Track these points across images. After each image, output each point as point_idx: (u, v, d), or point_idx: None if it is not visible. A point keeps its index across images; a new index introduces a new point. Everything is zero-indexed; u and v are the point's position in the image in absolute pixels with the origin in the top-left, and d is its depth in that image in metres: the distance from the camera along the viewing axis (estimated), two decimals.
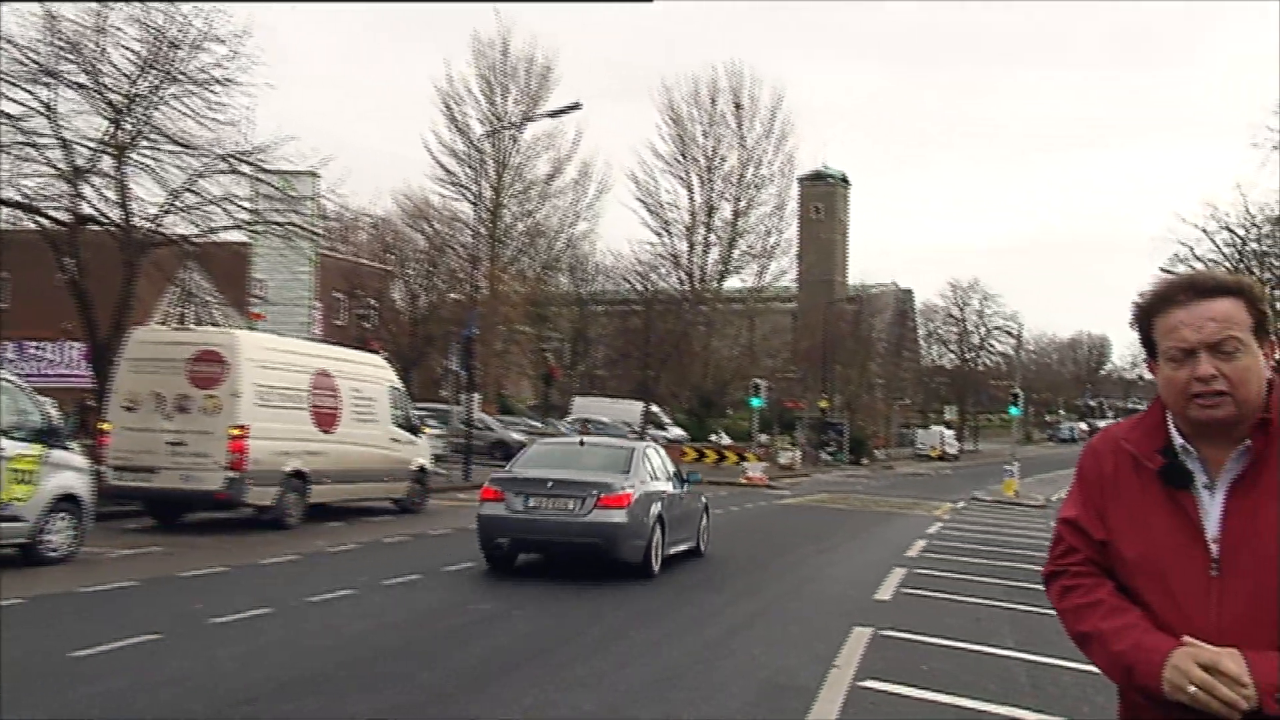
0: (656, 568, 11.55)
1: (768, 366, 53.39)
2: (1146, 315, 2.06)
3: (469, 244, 40.63)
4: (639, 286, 43.58)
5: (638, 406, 41.68)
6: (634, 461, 11.74)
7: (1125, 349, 76.41)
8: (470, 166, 51.16)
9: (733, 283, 57.55)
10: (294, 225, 21.61)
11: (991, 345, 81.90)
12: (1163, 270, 34.13)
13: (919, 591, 11.51)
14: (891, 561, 14.22)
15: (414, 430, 18.75)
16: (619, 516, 10.94)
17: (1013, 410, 38.92)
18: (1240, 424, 1.99)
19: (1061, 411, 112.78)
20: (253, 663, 6.82)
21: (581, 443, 12.97)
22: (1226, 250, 36.46)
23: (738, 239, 55.29)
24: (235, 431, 14.10)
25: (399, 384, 19.03)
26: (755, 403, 39.39)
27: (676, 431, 47.53)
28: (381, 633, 8.03)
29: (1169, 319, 2.01)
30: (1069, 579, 2.16)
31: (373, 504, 17.95)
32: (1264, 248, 36.00)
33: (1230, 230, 36.37)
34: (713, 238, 54.97)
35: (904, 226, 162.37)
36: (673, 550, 12.28)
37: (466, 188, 51.23)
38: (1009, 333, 77.31)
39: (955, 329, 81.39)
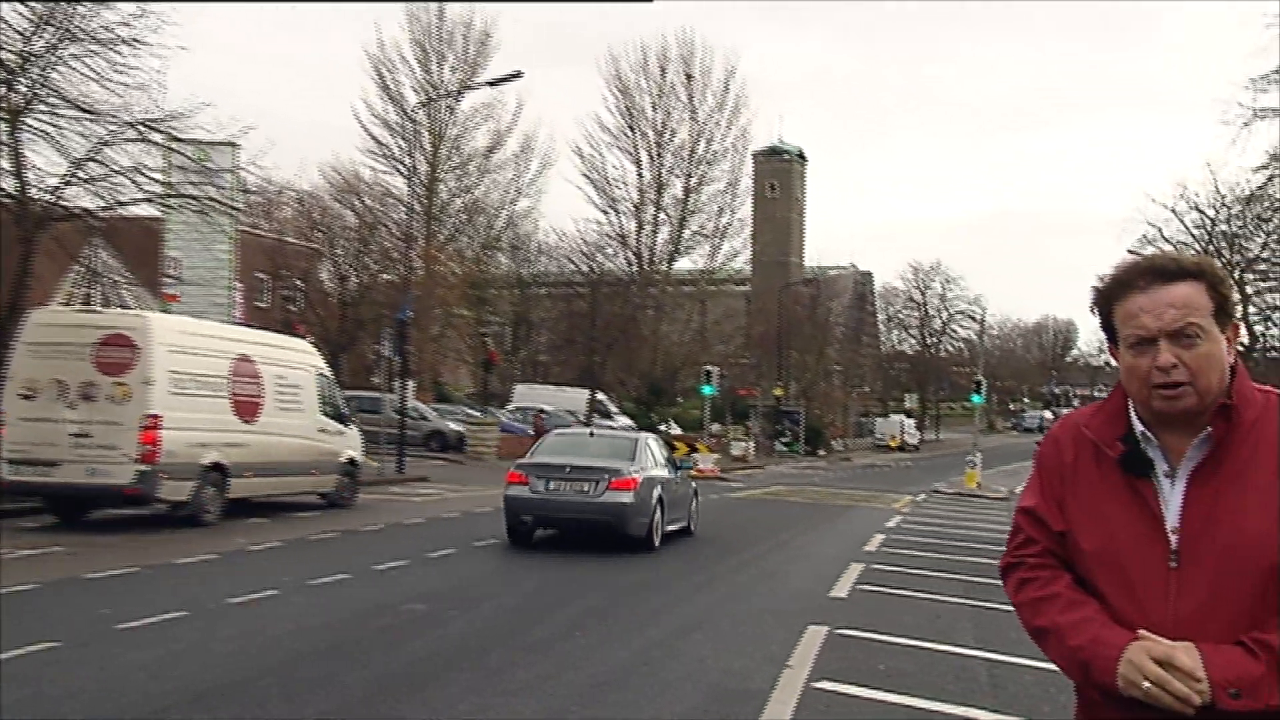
0: (657, 542, 14.02)
1: (720, 352, 53.67)
2: (1106, 300, 2.10)
3: (402, 221, 40.18)
4: (584, 268, 43.51)
5: (583, 394, 41.66)
6: (638, 450, 14.37)
7: (1092, 334, 78.26)
8: (404, 138, 50.62)
9: (683, 264, 57.73)
10: (211, 199, 21.18)
11: (954, 330, 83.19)
12: (1130, 252, 34.86)
13: (877, 588, 11.65)
14: (848, 557, 14.37)
15: (343, 420, 18.56)
16: (627, 497, 13.52)
17: (975, 398, 39.60)
18: (1204, 412, 2.03)
19: (1026, 400, 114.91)
20: (164, 671, 6.70)
21: (591, 434, 15.98)
22: (1196, 231, 37.35)
23: (689, 218, 55.43)
24: (147, 421, 13.82)
25: (327, 370, 18.81)
26: (706, 390, 39.55)
27: (624, 420, 47.57)
28: (306, 635, 7.94)
29: (1129, 305, 2.05)
30: (1026, 571, 2.20)
31: (298, 499, 17.75)
32: (1234, 229, 36.87)
33: (1200, 211, 37.26)
34: (662, 216, 55.04)
35: (863, 206, 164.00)
36: (669, 528, 14.70)
37: (400, 161, 50.70)
38: (972, 317, 78.54)
39: (916, 313, 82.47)
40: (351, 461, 18.57)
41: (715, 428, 47.59)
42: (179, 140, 19.49)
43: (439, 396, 47.63)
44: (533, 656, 7.55)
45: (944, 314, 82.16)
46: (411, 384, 32.80)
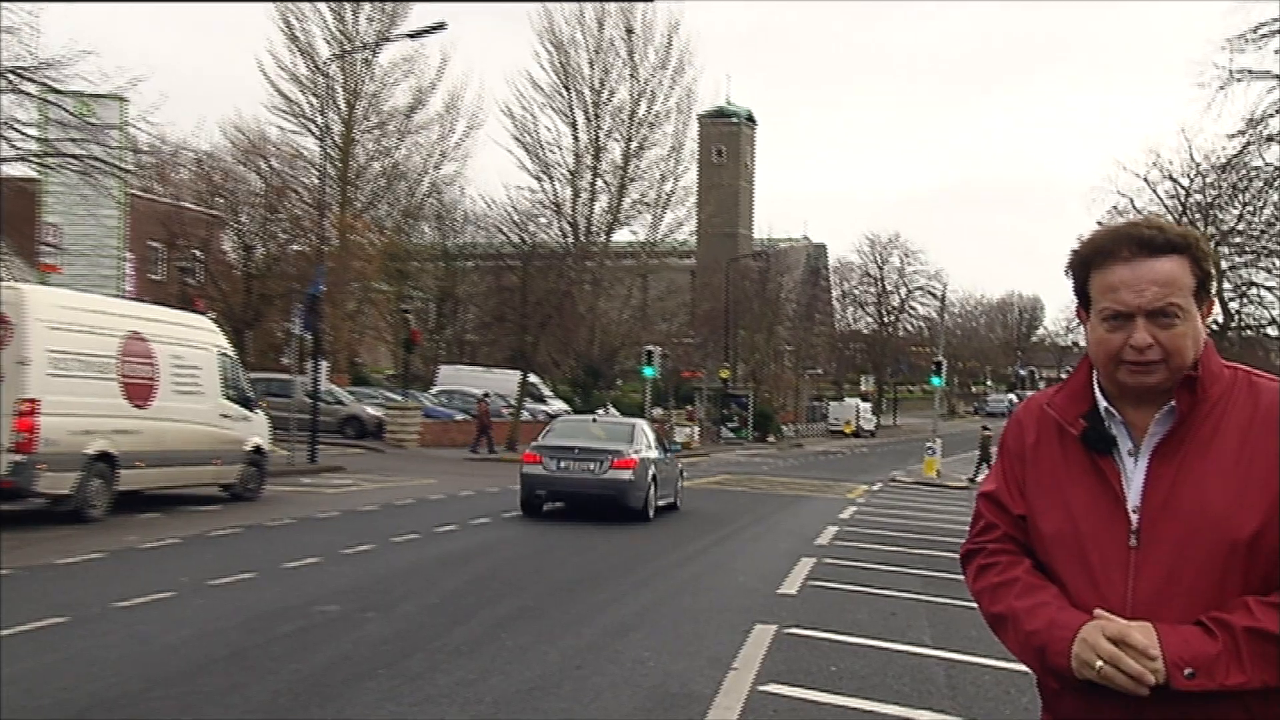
0: (652, 514, 17.55)
1: (662, 331, 53.80)
2: (1084, 266, 2.13)
3: (314, 186, 39.59)
4: (515, 239, 43.25)
5: (514, 377, 41.51)
6: (635, 434, 18.20)
7: (1059, 311, 79.36)
8: (315, 95, 49.79)
9: (623, 235, 57.68)
10: (96, 159, 20.63)
11: (913, 308, 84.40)
12: (1100, 224, 35.55)
13: (829, 584, 11.78)
14: (799, 551, 14.52)
15: (248, 404, 18.32)
16: (628, 475, 17.08)
17: (935, 380, 40.09)
18: (1171, 388, 2.09)
19: (989, 382, 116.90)
20: (41, 684, 6.54)
21: (594, 420, 20.35)
22: (1169, 202, 38.16)
23: (629, 185, 55.32)
24: (22, 406, 13.48)
25: (230, 350, 18.54)
26: (648, 372, 39.64)
27: (558, 405, 47.53)
28: (205, 642, 7.82)
29: (1109, 275, 2.09)
30: (985, 557, 2.27)
31: (198, 491, 17.49)
32: (1209, 199, 37.72)
33: (1174, 180, 38.05)
34: (600, 183, 54.86)
35: (816, 173, 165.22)
36: (660, 503, 18.10)
37: (311, 120, 49.92)
38: (932, 293, 79.57)
39: (873, 289, 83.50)
40: (257, 450, 18.35)
41: (657, 412, 47.62)
42: (56, 92, 18.92)
43: (356, 379, 47.21)
44: (456, 660, 7.52)
45: (902, 290, 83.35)
46: (325, 365, 32.47)
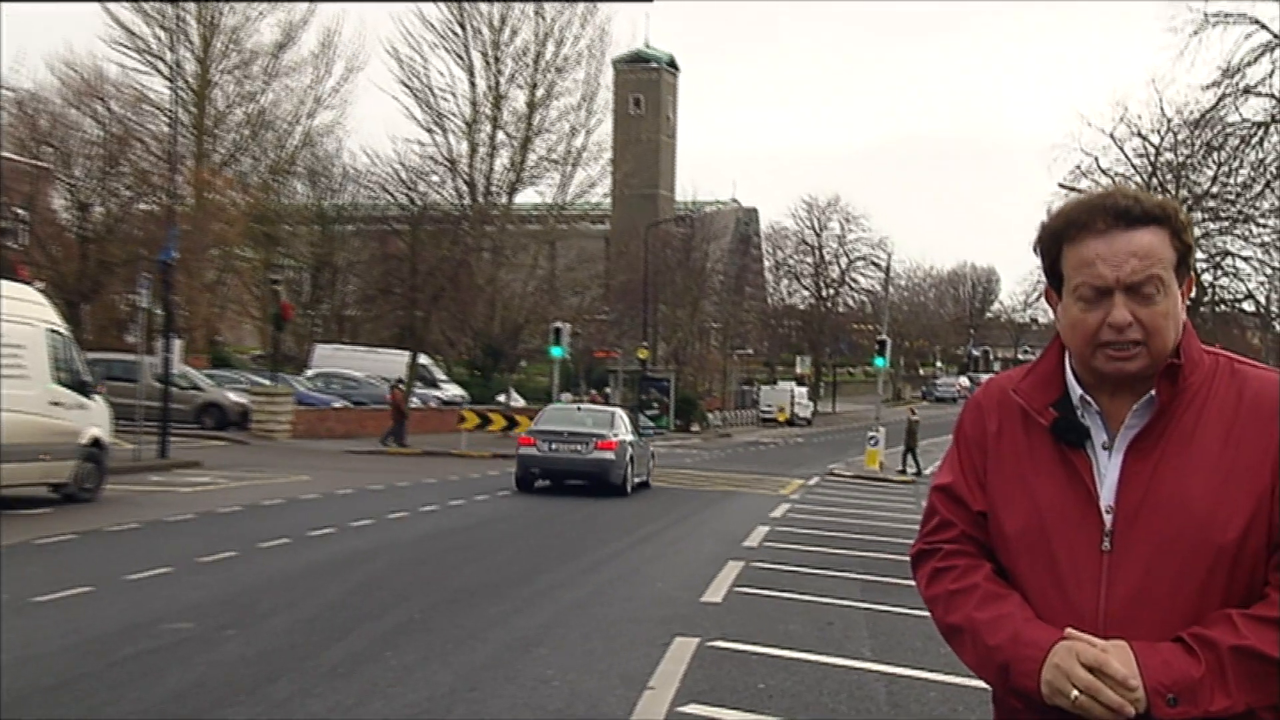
0: (629, 489, 22.84)
1: (573, 306, 53.88)
2: (1056, 240, 2.17)
3: (164, 135, 38.66)
4: (403, 200, 42.82)
5: (402, 358, 41.20)
6: (615, 420, 23.84)
7: (1017, 284, 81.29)
8: (163, 28, 48.67)
9: (528, 196, 57.49)
10: None
11: (854, 280, 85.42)
12: (1062, 187, 36.29)
13: (758, 591, 11.88)
14: (725, 553, 14.64)
15: (85, 390, 17.90)
16: (610, 455, 22.31)
17: (879, 362, 40.67)
18: (1151, 376, 2.13)
19: (939, 364, 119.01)
20: None
21: (579, 408, 26.50)
22: (1137, 161, 39.12)
23: (534, 139, 55.09)
24: None
25: (62, 326, 18.12)
26: (556, 352, 39.58)
27: (453, 390, 47.28)
28: (26, 670, 7.60)
29: (1083, 250, 2.13)
30: (940, 560, 2.29)
31: (22, 491, 17.01)
32: (1180, 158, 38.66)
33: (1142, 137, 38.98)
34: (501, 137, 54.53)
35: (747, 127, 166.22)
36: (635, 480, 23.49)
37: (159, 57, 48.79)
38: (876, 264, 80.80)
39: (810, 259, 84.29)
40: (96, 443, 17.96)
41: (566, 397, 47.58)
42: None
43: (216, 360, 46.37)
44: (331, 683, 7.44)
45: (843, 260, 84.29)
46: (179, 344, 31.90)
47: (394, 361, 43.07)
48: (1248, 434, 2.11)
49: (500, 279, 49.39)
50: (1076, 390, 2.19)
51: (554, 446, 22.52)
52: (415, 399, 39.42)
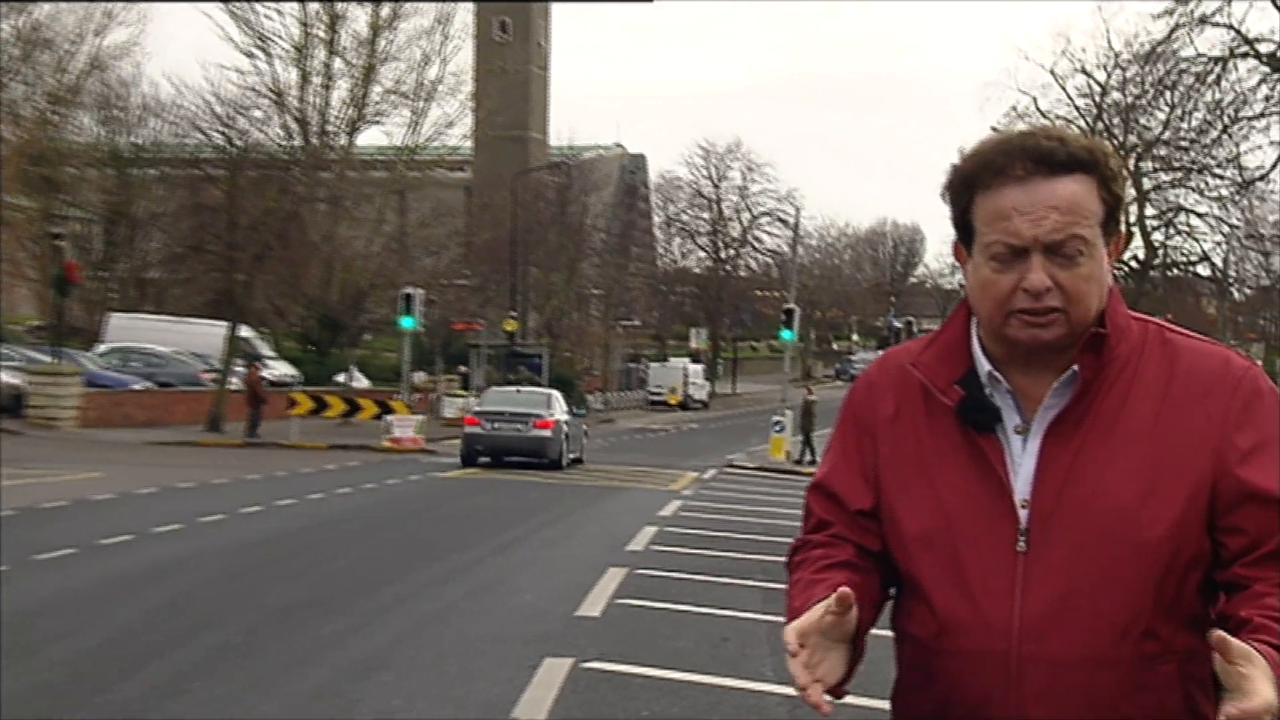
0: (565, 464, 28.92)
1: (427, 269, 53.44)
2: (967, 188, 2.18)
3: None
4: (218, 139, 41.87)
5: (219, 330, 40.42)
6: (552, 401, 30.03)
7: (943, 244, 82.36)
8: None
9: (372, 138, 56.98)
10: None
11: (758, 239, 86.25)
12: (996, 131, 37.00)
13: (644, 602, 11.92)
14: (606, 559, 14.68)
15: None
16: (547, 433, 28.38)
17: (786, 334, 41.02)
18: (1071, 346, 2.15)
19: (855, 336, 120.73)
20: None
21: (519, 390, 33.15)
22: (1081, 102, 40.11)
23: (378, 68, 54.48)
24: None
25: None
26: (407, 323, 39.29)
27: (282, 368, 46.56)
28: None
29: (998, 200, 2.13)
30: (802, 553, 2.32)
31: None
32: (1129, 98, 39.65)
33: (1087, 73, 39.94)
34: (339, 65, 53.85)
35: (634, 59, 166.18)
36: (571, 456, 29.70)
37: None
38: (783, 220, 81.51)
39: (706, 214, 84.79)
40: None
41: (419, 377, 47.19)
42: None
43: None
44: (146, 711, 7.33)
45: (745, 216, 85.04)
46: None
47: (208, 334, 42.33)
48: (1180, 415, 2.13)
49: (339, 236, 48.87)
50: (985, 365, 2.20)
51: (496, 425, 28.94)
52: (235, 380, 38.80)
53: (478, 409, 30.36)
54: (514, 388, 36.11)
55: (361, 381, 46.97)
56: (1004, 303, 2.13)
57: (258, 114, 46.23)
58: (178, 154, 49.05)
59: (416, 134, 56.37)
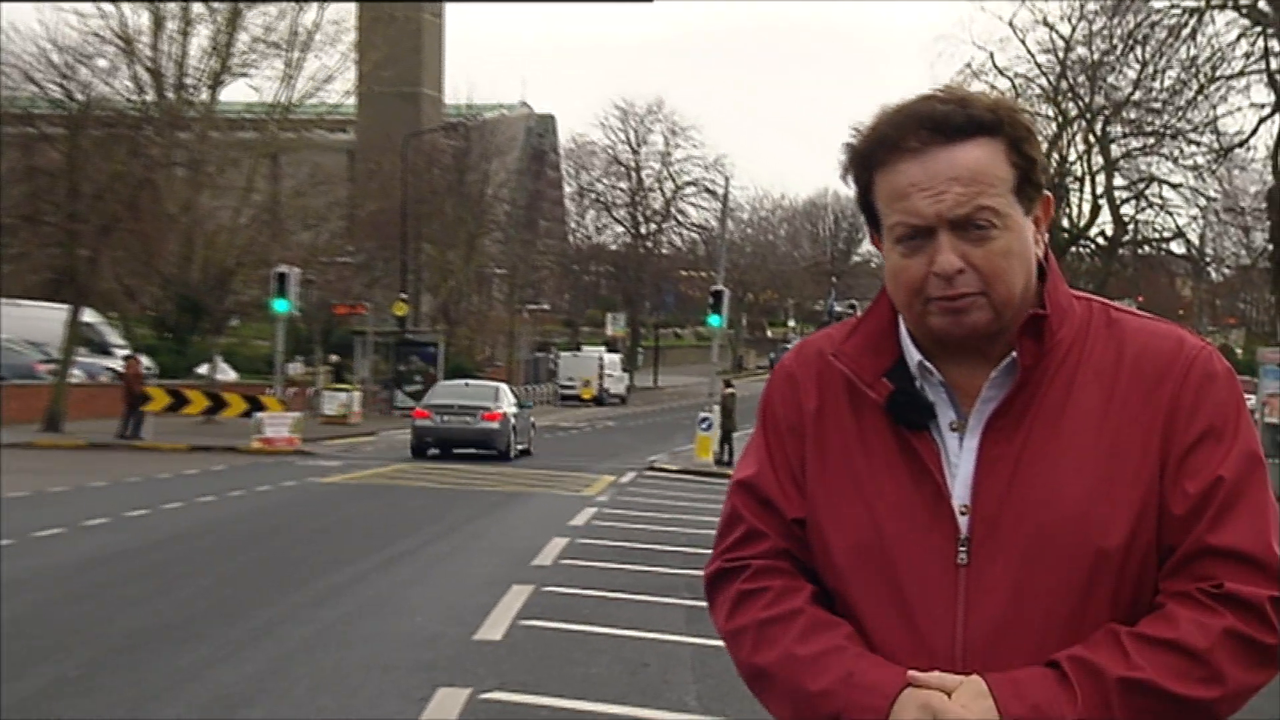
0: (512, 455, 34.28)
1: (305, 244, 53.10)
2: (865, 167, 2.22)
3: None
4: (56, 93, 41.22)
5: (58, 315, 39.85)
6: (500, 394, 36.22)
7: None
8: None
9: (239, 93, 56.29)
10: None
11: (683, 212, 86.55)
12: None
13: (551, 623, 11.94)
14: (509, 575, 14.70)
15: None
16: (495, 425, 34.00)
17: (713, 320, 41.21)
18: (1004, 331, 2.18)
19: (792, 321, 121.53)
20: None
21: (467, 384, 38.75)
22: (1043, 58, 40.50)
23: (245, 12, 53.81)
24: None
25: None
26: (281, 307, 39.01)
27: (143, 362, 46.02)
28: None
29: (895, 177, 2.17)
30: (747, 580, 2.29)
31: None
32: (1096, 54, 40.08)
33: (1049, 26, 40.31)
34: (199, 8, 53.13)
35: (540, 7, 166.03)
36: (519, 447, 35.02)
37: None
38: (710, 191, 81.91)
39: (625, 184, 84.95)
40: None
41: (295, 369, 46.78)
42: None
43: None
44: None
45: (668, 185, 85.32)
46: None
47: (45, 319, 41.97)
48: (1130, 404, 2.16)
49: (201, 206, 48.45)
50: (914, 355, 2.22)
51: (445, 419, 33.82)
52: (79, 371, 38.37)
53: (428, 402, 35.59)
54: (463, 381, 41.19)
55: (228, 374, 46.58)
56: (918, 291, 2.15)
57: (103, 64, 45.58)
58: (7, 109, 48.19)
59: (290, 89, 55.72)
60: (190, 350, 47.60)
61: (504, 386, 37.76)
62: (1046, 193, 2.22)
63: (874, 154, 2.18)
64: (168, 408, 35.17)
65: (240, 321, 55.45)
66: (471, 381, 41.19)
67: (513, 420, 34.45)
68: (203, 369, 45.71)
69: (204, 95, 52.68)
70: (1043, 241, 2.22)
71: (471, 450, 33.49)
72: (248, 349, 52.67)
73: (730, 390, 36.72)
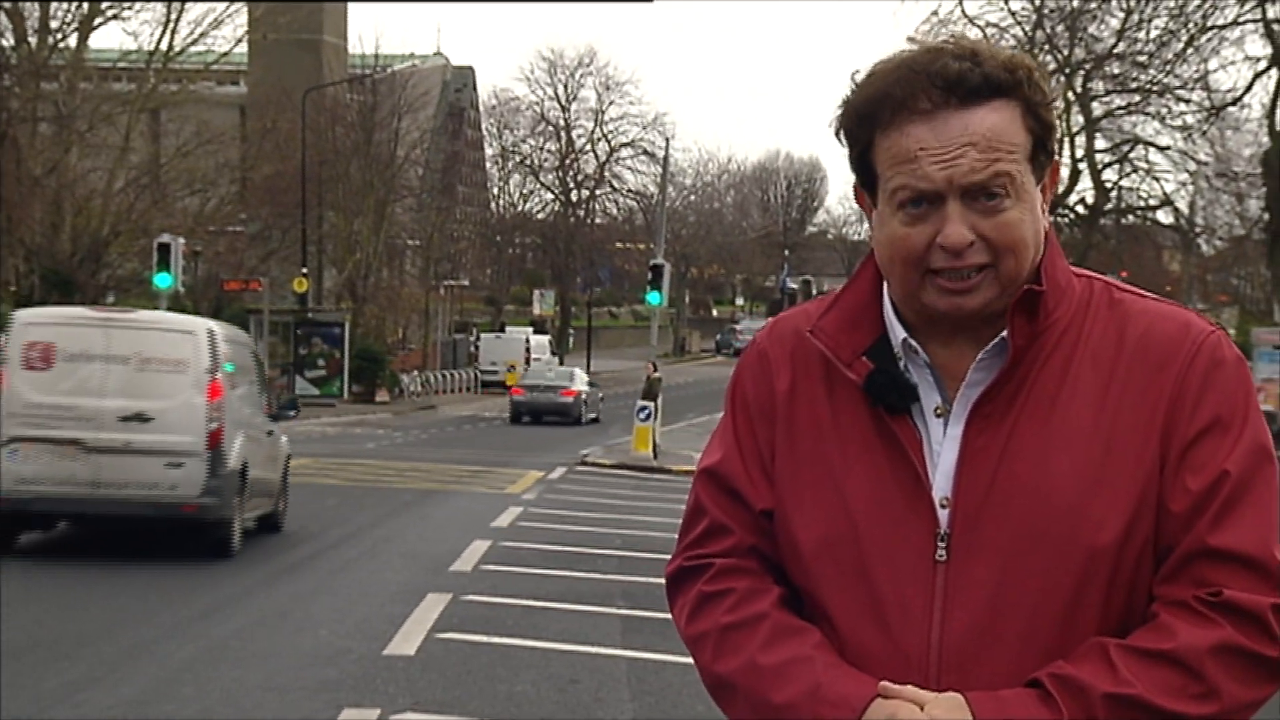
0: (584, 421, 54.66)
1: (190, 211, 52.77)
2: (864, 126, 2.22)
3: None
4: None
5: None
6: (575, 376, 59.30)
7: (849, 183, 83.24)
8: None
9: (112, 37, 55.67)
10: None
11: (618, 177, 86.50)
12: (912, 42, 37.49)
13: (471, 636, 11.96)
14: (425, 583, 14.76)
15: None
16: (571, 400, 55.90)
17: (652, 298, 41.26)
18: (1001, 310, 2.20)
19: (740, 300, 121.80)
20: None
21: (549, 369, 63.10)
22: (1017, 5, 40.72)
23: None
24: None
25: None
26: (163, 282, 38.69)
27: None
28: None
29: (902, 139, 2.17)
30: (710, 581, 2.31)
31: None
32: (1076, 3, 40.32)
33: None
34: None
35: None
36: (589, 416, 56.10)
37: None
38: (649, 153, 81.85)
39: (553, 145, 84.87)
40: None
41: None
42: None
43: None
44: None
45: (601, 147, 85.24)
46: None
47: None
48: (1130, 391, 2.17)
49: (70, 167, 48.10)
50: (898, 332, 2.23)
51: (534, 394, 52.63)
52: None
53: (521, 382, 55.35)
54: (546, 366, 60.79)
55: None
56: (918, 262, 2.16)
57: None
58: None
59: (172, 35, 55.28)
60: None
61: (578, 370, 58.34)
62: (1057, 159, 2.25)
63: (877, 113, 2.18)
64: None
65: (117, 298, 54.92)
66: (555, 367, 60.58)
67: (585, 396, 53.49)
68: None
69: (72, 41, 52.12)
70: (1047, 209, 2.24)
71: (555, 418, 50.88)
72: None
73: (656, 375, 36.65)
